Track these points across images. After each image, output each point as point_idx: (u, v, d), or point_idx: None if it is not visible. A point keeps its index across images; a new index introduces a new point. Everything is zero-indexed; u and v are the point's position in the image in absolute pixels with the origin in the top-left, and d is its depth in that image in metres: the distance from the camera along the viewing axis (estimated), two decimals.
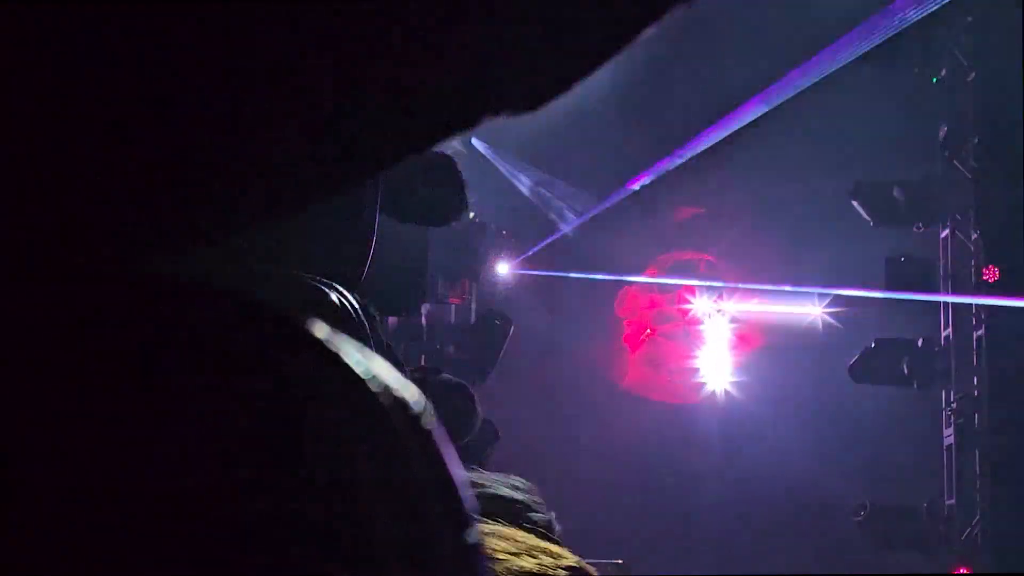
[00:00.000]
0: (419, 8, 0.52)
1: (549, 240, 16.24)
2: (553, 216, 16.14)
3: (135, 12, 0.49)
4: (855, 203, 13.91)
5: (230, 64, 0.51)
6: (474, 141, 15.15)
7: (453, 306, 14.89)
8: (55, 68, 0.48)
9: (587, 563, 1.60)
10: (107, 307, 0.48)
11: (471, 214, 13.34)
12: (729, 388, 16.09)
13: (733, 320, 16.20)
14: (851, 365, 13.99)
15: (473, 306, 15.43)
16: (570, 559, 1.58)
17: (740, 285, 15.94)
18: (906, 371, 13.86)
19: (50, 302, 0.47)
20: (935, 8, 11.22)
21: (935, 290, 14.01)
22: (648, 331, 16.61)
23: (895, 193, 13.77)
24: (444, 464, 0.54)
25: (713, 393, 16.14)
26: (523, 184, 16.21)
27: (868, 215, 13.96)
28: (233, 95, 0.52)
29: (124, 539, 0.44)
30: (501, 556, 1.48)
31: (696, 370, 16.36)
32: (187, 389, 0.48)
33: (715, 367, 16.21)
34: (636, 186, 15.11)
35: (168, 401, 0.47)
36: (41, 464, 0.44)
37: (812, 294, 15.26)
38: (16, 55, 0.47)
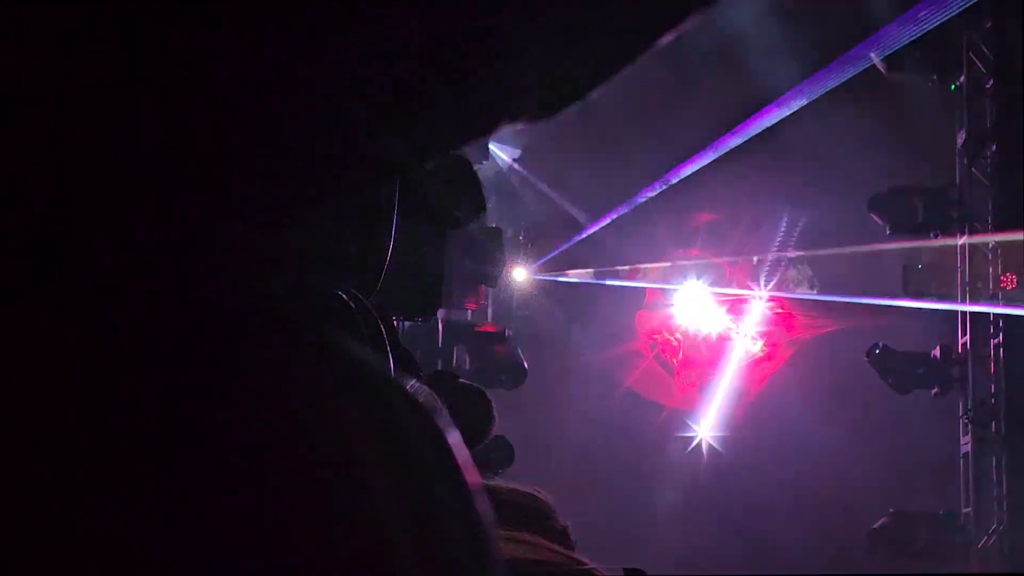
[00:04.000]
0: (439, 20, 0.53)
1: (566, 246, 16.23)
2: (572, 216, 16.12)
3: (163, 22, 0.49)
4: (872, 214, 13.86)
5: (268, 78, 0.52)
6: (491, 147, 15.16)
7: (469, 311, 14.89)
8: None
9: (602, 569, 1.60)
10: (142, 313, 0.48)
11: (494, 226, 13.36)
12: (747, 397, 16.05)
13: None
14: (869, 350, 13.95)
15: (489, 311, 15.43)
16: (586, 565, 1.58)
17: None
18: (924, 378, 13.81)
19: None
20: (954, 14, 11.18)
21: (952, 298, 13.95)
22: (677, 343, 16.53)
23: (913, 201, 13.72)
24: (460, 470, 0.54)
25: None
26: (539, 189, 16.21)
27: (885, 223, 13.90)
28: (270, 103, 0.52)
29: (142, 527, 0.45)
30: (518, 562, 1.48)
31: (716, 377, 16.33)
32: (211, 391, 0.48)
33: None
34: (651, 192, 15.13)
35: (190, 401, 0.47)
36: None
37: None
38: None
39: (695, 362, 16.44)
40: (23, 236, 0.48)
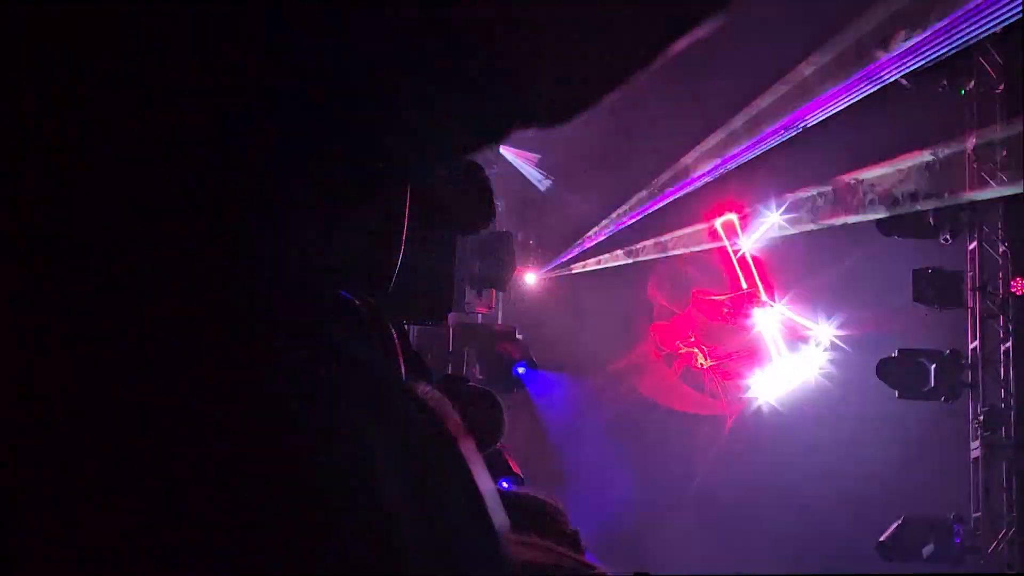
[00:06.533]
0: (454, 27, 0.53)
1: (575, 249, 16.24)
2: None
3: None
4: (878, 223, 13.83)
5: (274, 72, 0.52)
6: (502, 151, 15.17)
7: (480, 315, 14.90)
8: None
9: (612, 573, 1.59)
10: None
11: (504, 230, 13.38)
12: (757, 402, 16.01)
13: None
14: (879, 364, 13.88)
15: (499, 315, 15.44)
16: (595, 570, 1.58)
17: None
18: (933, 383, 13.76)
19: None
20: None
21: (962, 302, 13.91)
22: (700, 353, 16.46)
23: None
24: (472, 473, 0.54)
25: (740, 406, 16.07)
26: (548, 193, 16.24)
27: (892, 229, 13.87)
28: (276, 101, 0.52)
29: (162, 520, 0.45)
30: (529, 565, 1.48)
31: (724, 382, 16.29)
32: (213, 392, 0.48)
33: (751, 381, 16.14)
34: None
35: (191, 402, 0.47)
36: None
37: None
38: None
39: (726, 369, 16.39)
40: (23, 236, 0.48)
